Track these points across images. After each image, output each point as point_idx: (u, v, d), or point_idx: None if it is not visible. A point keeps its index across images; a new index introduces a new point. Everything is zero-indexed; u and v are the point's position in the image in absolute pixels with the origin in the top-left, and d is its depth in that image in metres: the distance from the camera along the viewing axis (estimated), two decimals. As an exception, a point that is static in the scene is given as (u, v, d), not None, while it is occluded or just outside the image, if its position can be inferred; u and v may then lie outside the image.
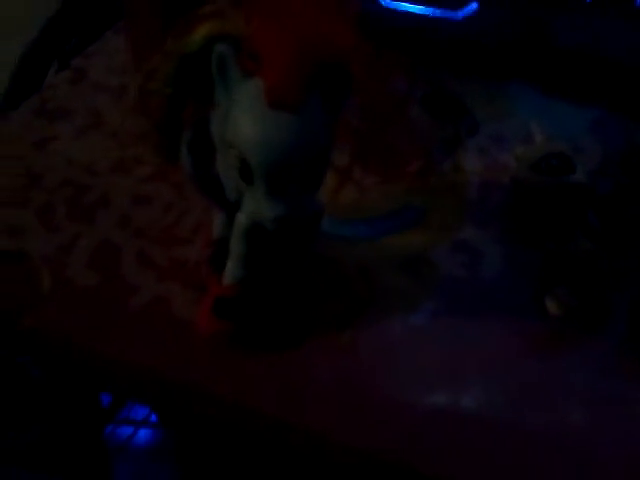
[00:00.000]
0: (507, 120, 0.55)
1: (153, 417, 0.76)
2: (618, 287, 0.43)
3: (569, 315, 0.42)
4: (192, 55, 0.34)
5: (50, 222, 0.46)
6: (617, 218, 0.47)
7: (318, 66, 0.32)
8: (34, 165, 0.50)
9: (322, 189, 0.37)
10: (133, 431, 0.73)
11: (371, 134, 0.36)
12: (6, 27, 0.68)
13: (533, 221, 0.47)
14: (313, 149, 0.33)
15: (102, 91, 0.55)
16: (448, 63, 0.58)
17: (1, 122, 0.55)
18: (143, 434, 0.76)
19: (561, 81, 0.57)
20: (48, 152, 0.51)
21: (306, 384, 0.39)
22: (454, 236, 0.47)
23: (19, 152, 0.51)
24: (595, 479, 0.36)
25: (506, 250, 0.46)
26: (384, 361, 0.40)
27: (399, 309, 0.42)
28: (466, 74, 0.58)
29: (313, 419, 0.37)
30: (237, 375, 0.39)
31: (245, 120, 0.32)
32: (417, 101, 0.52)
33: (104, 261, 0.44)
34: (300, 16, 0.32)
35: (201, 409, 0.40)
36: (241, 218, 0.36)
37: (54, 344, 0.42)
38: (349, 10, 0.34)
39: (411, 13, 0.60)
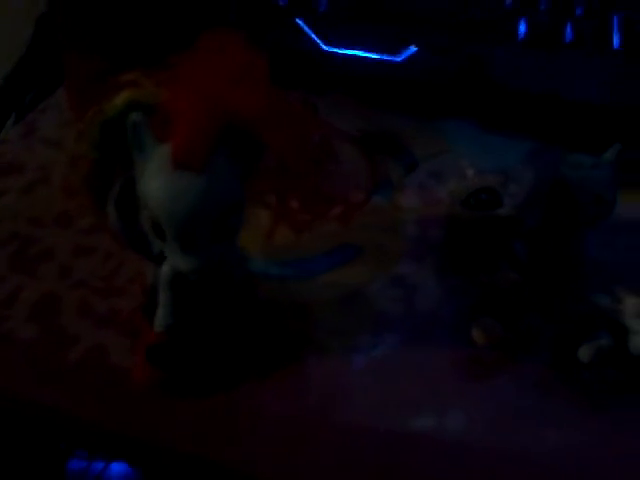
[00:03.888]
0: (446, 156, 0.57)
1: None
2: (543, 316, 0.44)
3: (495, 345, 0.43)
4: (112, 121, 0.36)
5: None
6: (542, 249, 0.48)
7: (225, 129, 0.34)
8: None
9: (256, 230, 0.38)
10: (105, 465, 0.73)
11: (289, 183, 0.38)
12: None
13: (465, 255, 0.49)
14: (221, 206, 0.34)
15: (51, 145, 0.57)
16: (388, 103, 0.60)
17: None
18: (116, 467, 0.76)
19: (498, 116, 0.59)
20: (-2, 207, 0.52)
21: (248, 427, 0.39)
22: (391, 272, 0.48)
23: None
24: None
25: (441, 284, 0.48)
26: (325, 399, 0.41)
27: (337, 346, 0.44)
28: (405, 113, 0.59)
29: (256, 463, 0.38)
30: (173, 422, 0.40)
31: (153, 182, 0.34)
32: (353, 142, 0.54)
33: (44, 313, 0.45)
34: (209, 83, 0.34)
35: (143, 458, 0.41)
36: (165, 268, 0.38)
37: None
38: (259, 74, 0.36)
39: (352, 56, 0.62)
